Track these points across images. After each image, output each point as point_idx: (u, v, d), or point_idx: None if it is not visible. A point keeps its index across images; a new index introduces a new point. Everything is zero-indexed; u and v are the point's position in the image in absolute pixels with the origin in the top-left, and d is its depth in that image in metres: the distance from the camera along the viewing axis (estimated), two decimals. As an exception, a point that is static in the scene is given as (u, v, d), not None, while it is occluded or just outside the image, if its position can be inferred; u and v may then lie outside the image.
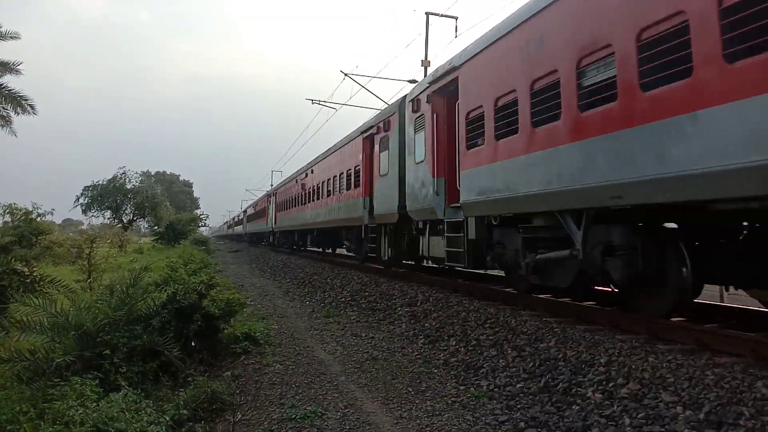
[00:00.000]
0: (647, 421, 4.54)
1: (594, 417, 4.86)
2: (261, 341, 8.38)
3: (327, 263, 22.10)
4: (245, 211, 65.31)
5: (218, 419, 5.69)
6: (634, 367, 5.47)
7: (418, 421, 5.23)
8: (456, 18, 22.72)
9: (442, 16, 23.23)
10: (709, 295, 12.26)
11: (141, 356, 6.68)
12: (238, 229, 78.64)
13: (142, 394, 5.76)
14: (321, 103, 29.15)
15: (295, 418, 5.40)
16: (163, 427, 5.11)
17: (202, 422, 5.55)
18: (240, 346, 8.05)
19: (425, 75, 21.78)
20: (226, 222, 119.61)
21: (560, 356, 6.28)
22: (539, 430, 4.90)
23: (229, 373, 6.89)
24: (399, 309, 10.66)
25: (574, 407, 5.16)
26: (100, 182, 52.43)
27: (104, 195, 51.97)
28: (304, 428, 5.17)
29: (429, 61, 22.90)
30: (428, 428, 5.07)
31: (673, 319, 6.78)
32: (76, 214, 54.70)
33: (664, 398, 4.77)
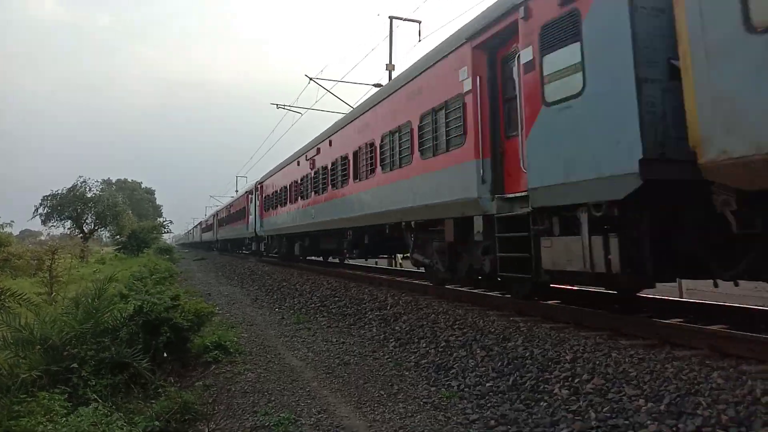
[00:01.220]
0: (612, 414, 4.71)
1: (561, 412, 5.01)
2: (231, 350, 8.32)
3: (294, 269, 22.04)
4: (257, 189, 31.97)
5: (191, 429, 5.67)
6: (598, 362, 5.66)
7: (391, 423, 5.31)
8: (419, 22, 23.00)
9: (405, 20, 23.48)
10: (669, 290, 12.67)
11: (110, 369, 6.59)
12: (225, 232, 48.36)
13: (113, 407, 5.71)
14: (286, 107, 29.13)
15: (268, 425, 5.42)
16: (135, 440, 5.08)
17: (175, 433, 5.53)
18: (210, 356, 8.00)
19: (389, 78, 21.96)
20: (200, 223, 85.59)
21: (527, 354, 6.44)
22: (509, 427, 5.02)
23: (200, 383, 6.86)
24: (369, 313, 10.73)
25: (542, 404, 5.31)
26: (60, 191, 51.13)
27: (64, 204, 50.66)
28: (278, 435, 5.20)
29: (393, 65, 23.12)
30: (401, 430, 5.15)
31: (634, 315, 7.02)
32: (35, 225, 53.31)
33: (627, 392, 4.96)
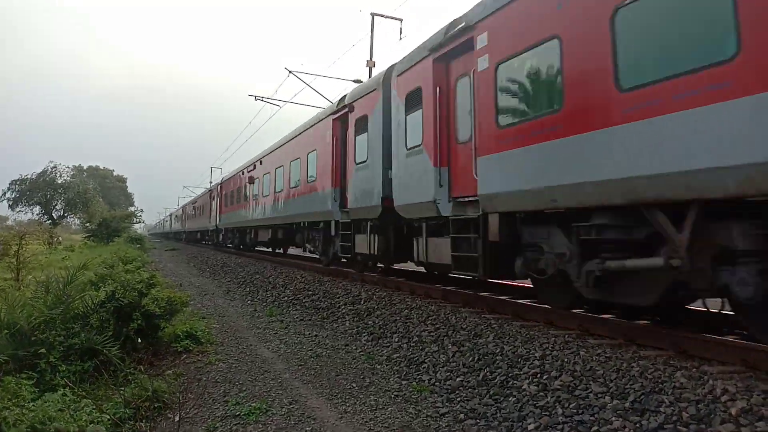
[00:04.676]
0: (578, 410, 4.83)
1: (529, 408, 5.12)
2: (202, 340, 8.30)
3: (269, 262, 21.92)
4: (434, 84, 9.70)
5: (160, 417, 5.64)
6: (566, 360, 5.78)
7: (362, 415, 5.36)
8: (401, 20, 23.06)
9: (387, 17, 23.51)
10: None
11: (79, 355, 6.51)
12: (241, 215, 28.31)
13: (82, 393, 5.65)
14: (264, 99, 28.88)
15: (239, 414, 5.43)
16: (104, 426, 5.02)
17: (144, 421, 5.48)
18: (181, 345, 7.95)
19: (370, 75, 21.99)
20: (183, 208, 62.05)
21: (498, 351, 6.55)
22: (478, 421, 5.12)
23: (171, 372, 6.82)
24: (342, 307, 10.76)
25: (510, 399, 5.41)
26: (29, 176, 50.13)
27: (33, 190, 49.75)
28: (249, 424, 5.20)
29: (374, 62, 23.13)
30: (372, 422, 5.21)
31: (603, 316, 7.17)
32: (2, 209, 52.25)
33: (594, 389, 5.08)
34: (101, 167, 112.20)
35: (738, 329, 6.45)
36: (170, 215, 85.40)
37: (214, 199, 37.69)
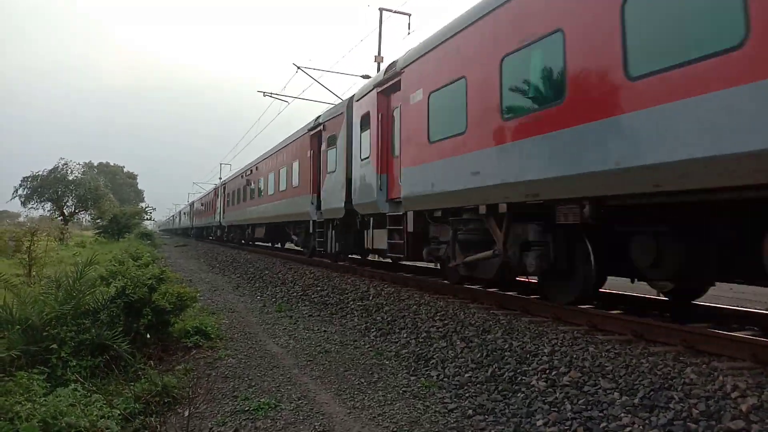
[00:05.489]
0: (587, 406, 4.81)
1: (538, 404, 5.11)
2: (212, 336, 8.35)
3: (278, 258, 21.99)
4: None
5: (170, 412, 5.67)
6: (575, 356, 5.76)
7: (370, 411, 5.37)
8: (409, 15, 23.02)
9: (395, 12, 23.45)
10: (645, 289, 12.86)
11: (90, 350, 6.58)
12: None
13: (93, 388, 5.70)
14: (273, 95, 28.93)
15: (248, 410, 5.45)
16: (114, 421, 5.07)
17: (154, 416, 5.51)
18: (191, 341, 8.01)
19: (378, 70, 21.95)
20: (215, 191, 43.99)
21: (506, 347, 6.54)
22: (486, 417, 5.11)
23: (181, 367, 6.86)
24: (351, 303, 10.78)
25: (519, 395, 5.40)
26: (41, 173, 50.56)
27: (44, 186, 50.15)
28: (257, 419, 5.23)
29: (382, 57, 23.10)
30: (380, 417, 5.21)
31: (611, 311, 7.14)
32: (14, 206, 52.80)
33: (602, 385, 5.06)
34: (112, 164, 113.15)
35: (748, 325, 6.41)
36: (190, 204, 67.48)
37: (297, 158, 19.34)
